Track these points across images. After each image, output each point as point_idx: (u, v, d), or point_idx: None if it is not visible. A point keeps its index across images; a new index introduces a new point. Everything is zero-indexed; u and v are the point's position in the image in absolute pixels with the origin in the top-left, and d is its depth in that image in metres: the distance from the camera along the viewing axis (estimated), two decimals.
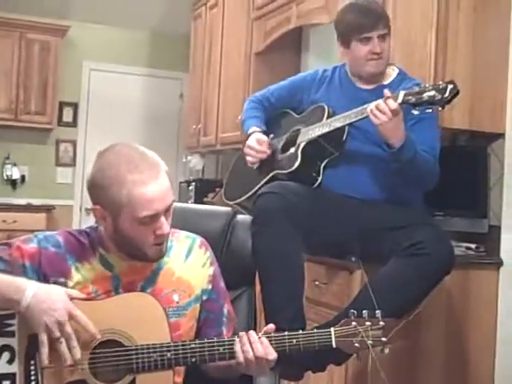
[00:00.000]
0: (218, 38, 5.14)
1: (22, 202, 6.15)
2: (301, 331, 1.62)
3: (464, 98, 2.50)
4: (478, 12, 2.85)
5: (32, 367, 1.47)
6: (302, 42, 4.64)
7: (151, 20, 6.47)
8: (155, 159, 1.57)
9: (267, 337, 1.58)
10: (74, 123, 6.55)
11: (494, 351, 2.86)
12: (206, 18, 5.45)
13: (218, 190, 5.02)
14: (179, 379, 1.64)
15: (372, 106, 2.20)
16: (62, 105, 6.43)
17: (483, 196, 2.94)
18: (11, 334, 1.47)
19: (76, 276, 1.59)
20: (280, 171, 2.56)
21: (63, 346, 1.44)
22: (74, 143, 6.55)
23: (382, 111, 2.16)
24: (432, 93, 2.06)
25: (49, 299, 1.45)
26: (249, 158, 2.66)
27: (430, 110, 2.11)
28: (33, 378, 1.47)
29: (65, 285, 1.55)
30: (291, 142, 2.60)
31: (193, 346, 1.55)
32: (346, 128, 2.43)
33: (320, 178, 2.50)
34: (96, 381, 1.49)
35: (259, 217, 2.27)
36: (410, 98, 2.12)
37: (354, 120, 2.34)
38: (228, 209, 2.12)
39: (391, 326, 1.66)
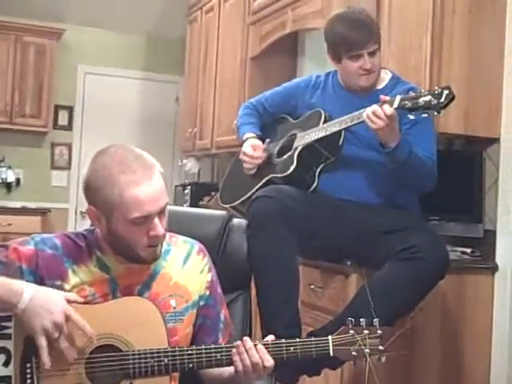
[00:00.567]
0: (213, 42, 5.15)
1: (17, 205, 6.14)
2: (298, 339, 1.63)
3: (459, 102, 2.50)
4: (473, 16, 2.86)
5: (28, 370, 1.47)
6: (297, 46, 4.65)
7: (147, 24, 6.48)
8: (150, 160, 1.57)
9: (264, 344, 1.58)
10: (69, 126, 6.55)
11: (490, 356, 2.87)
12: (201, 22, 5.46)
13: (213, 193, 5.03)
14: None
15: (368, 111, 2.20)
16: (57, 108, 6.43)
17: (478, 200, 2.95)
18: (7, 337, 1.46)
19: (73, 279, 1.58)
20: (276, 175, 2.57)
21: (64, 344, 1.43)
22: (69, 146, 6.54)
23: (378, 116, 2.17)
24: (428, 98, 2.07)
25: (46, 302, 1.44)
26: (245, 165, 2.66)
27: (426, 115, 2.12)
28: (28, 381, 1.46)
29: (61, 288, 1.55)
30: (287, 146, 2.61)
31: (190, 351, 1.55)
32: (343, 133, 2.44)
33: (316, 183, 2.51)
34: None
35: (254, 221, 2.27)
36: (406, 102, 2.13)
37: (350, 125, 2.34)
38: (223, 212, 2.12)
39: (388, 335, 1.66)
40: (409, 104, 2.12)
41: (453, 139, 2.99)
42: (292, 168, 2.49)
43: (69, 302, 1.48)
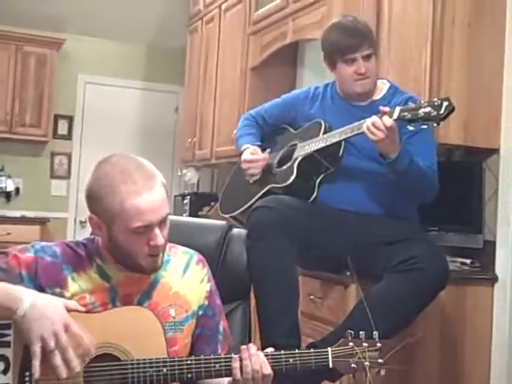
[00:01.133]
0: (213, 53, 5.16)
1: (17, 214, 6.13)
2: (297, 350, 1.62)
3: (459, 113, 2.51)
4: (473, 28, 2.87)
5: (26, 378, 1.46)
6: (297, 56, 4.67)
7: (147, 33, 6.50)
8: (152, 170, 1.58)
9: (265, 355, 1.58)
10: (68, 136, 6.55)
11: (489, 367, 2.86)
12: (202, 32, 5.48)
13: (213, 203, 5.02)
14: None
15: (368, 122, 2.21)
16: (57, 117, 6.43)
17: (478, 211, 2.94)
18: (7, 345, 1.45)
19: (72, 286, 1.58)
20: (275, 185, 2.57)
21: (57, 359, 1.42)
22: (68, 156, 6.55)
23: (378, 128, 2.17)
24: (427, 109, 2.07)
25: (46, 309, 1.43)
26: (250, 171, 2.66)
27: (426, 126, 2.12)
28: None
29: (61, 295, 1.55)
30: (288, 156, 2.61)
31: (189, 362, 1.54)
32: (343, 143, 2.44)
33: (316, 193, 2.51)
34: None
35: (254, 231, 2.27)
36: (406, 114, 2.14)
37: (350, 135, 2.35)
38: (223, 222, 2.12)
39: (388, 348, 1.65)
40: (408, 115, 2.12)
41: (452, 150, 3.00)
42: (292, 178, 2.49)
43: (69, 310, 1.48)
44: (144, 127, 6.67)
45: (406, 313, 2.26)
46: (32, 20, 6.07)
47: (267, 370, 1.56)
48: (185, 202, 5.33)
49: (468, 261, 2.89)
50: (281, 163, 2.64)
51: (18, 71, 6.08)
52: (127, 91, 6.64)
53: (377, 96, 2.54)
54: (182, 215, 5.11)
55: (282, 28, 4.13)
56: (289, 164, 2.57)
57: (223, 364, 1.55)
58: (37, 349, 1.40)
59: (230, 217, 2.76)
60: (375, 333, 1.65)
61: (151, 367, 1.50)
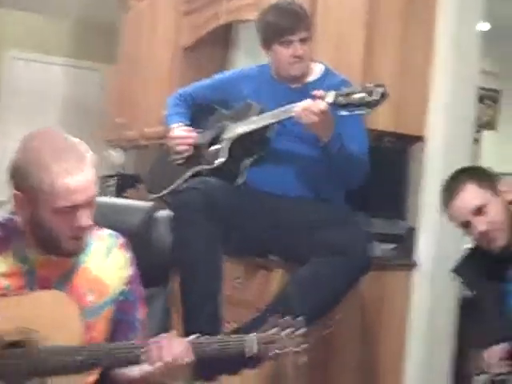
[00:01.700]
0: (145, 31, 5.04)
1: None
2: (219, 336, 1.60)
3: (390, 99, 2.52)
4: (406, 17, 2.89)
5: None
6: (230, 38, 4.61)
7: (76, 8, 6.30)
8: (82, 150, 1.52)
9: (187, 341, 1.54)
10: None
11: (404, 352, 2.92)
12: (134, 9, 5.34)
13: (138, 185, 4.93)
14: (92, 378, 1.58)
15: (301, 105, 2.19)
16: None
17: (403, 198, 2.99)
18: None
19: None
20: (204, 167, 2.53)
21: None
22: None
23: (311, 111, 2.16)
24: (361, 95, 2.07)
25: None
26: (178, 148, 2.60)
27: (362, 112, 2.12)
28: None
29: None
30: (217, 137, 2.57)
31: (104, 348, 1.49)
32: (273, 126, 2.42)
33: (244, 175, 2.48)
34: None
35: (179, 213, 2.23)
36: (340, 99, 2.12)
37: (281, 118, 2.33)
38: (148, 204, 2.07)
39: (312, 333, 1.65)
40: (343, 100, 2.12)
41: (381, 136, 3.02)
42: (221, 160, 2.46)
43: None
44: (70, 105, 6.48)
45: (331, 297, 2.27)
46: None
47: (188, 357, 1.53)
48: (110, 183, 5.22)
49: (390, 246, 2.94)
50: (210, 144, 2.60)
51: None
52: (54, 68, 6.43)
53: (311, 78, 2.52)
54: (106, 196, 5.00)
55: (216, 8, 4.06)
56: (218, 145, 2.53)
57: (139, 351, 1.51)
58: None
59: (157, 198, 2.71)
60: (299, 317, 1.64)
61: (65, 354, 1.45)
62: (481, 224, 2.02)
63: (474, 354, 2.26)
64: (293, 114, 2.23)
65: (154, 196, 2.72)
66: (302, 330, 1.62)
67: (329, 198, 2.47)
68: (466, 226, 2.07)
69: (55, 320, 1.48)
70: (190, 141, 2.60)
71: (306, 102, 2.18)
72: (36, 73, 6.37)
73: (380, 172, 2.83)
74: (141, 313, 1.71)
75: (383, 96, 2.07)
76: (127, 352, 1.50)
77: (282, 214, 2.40)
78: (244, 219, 2.39)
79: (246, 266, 2.69)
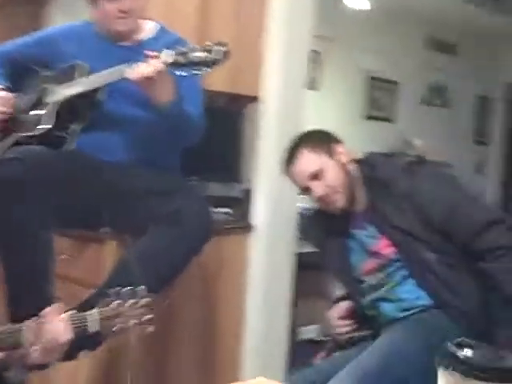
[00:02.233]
0: None
1: None
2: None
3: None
4: None
5: None
6: None
7: None
8: None
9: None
10: None
11: (245, 316, 2.92)
12: None
13: None
14: None
15: (134, 66, 2.03)
16: None
17: (238, 160, 2.95)
18: None
19: None
20: (25, 134, 2.29)
21: None
22: None
23: (145, 72, 2.00)
24: (202, 53, 1.96)
25: None
26: None
27: (199, 72, 2.00)
28: None
29: None
30: (39, 102, 2.34)
31: None
32: (104, 88, 2.24)
33: (72, 142, 2.28)
34: None
35: (1, 186, 2.00)
36: (179, 58, 1.99)
37: (113, 79, 2.15)
38: None
39: (154, 303, 1.56)
40: (182, 59, 1.99)
41: (216, 96, 2.94)
42: (45, 126, 2.24)
43: None
44: None
45: (172, 267, 2.18)
46: None
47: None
48: None
49: (227, 210, 2.90)
50: (31, 109, 2.36)
51: None
52: None
53: (144, 37, 2.36)
54: None
55: None
56: (40, 110, 2.30)
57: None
58: None
59: None
60: (140, 288, 1.54)
61: None
62: (318, 189, 2.03)
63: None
64: (126, 75, 2.07)
65: None
66: (145, 300, 1.53)
67: (164, 164, 2.35)
68: (306, 190, 2.07)
69: None
70: (9, 104, 2.34)
71: (141, 63, 2.02)
72: None
73: (214, 134, 2.75)
74: None
75: (225, 55, 1.98)
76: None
77: (115, 183, 2.24)
78: (74, 189, 2.19)
79: (75, 239, 2.48)
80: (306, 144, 2.07)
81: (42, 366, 1.82)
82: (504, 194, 6.34)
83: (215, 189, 2.93)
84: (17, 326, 1.41)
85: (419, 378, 1.74)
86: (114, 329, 1.51)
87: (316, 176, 2.03)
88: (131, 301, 1.53)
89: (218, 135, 2.82)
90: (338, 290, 2.23)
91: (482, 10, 5.39)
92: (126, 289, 1.54)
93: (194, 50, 1.99)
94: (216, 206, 2.86)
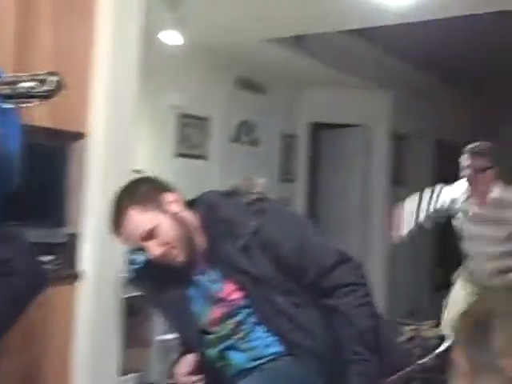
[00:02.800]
0: None
1: None
2: None
3: None
4: (62, 13, 2.63)
5: None
6: None
7: None
8: None
9: None
10: None
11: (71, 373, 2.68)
12: None
13: None
14: None
15: None
16: None
17: (61, 202, 2.69)
18: None
19: None
20: None
21: None
22: None
23: None
24: (31, 84, 1.71)
25: None
26: None
27: (29, 104, 1.75)
28: None
29: None
30: None
31: None
32: None
33: None
34: None
35: None
36: (2, 88, 1.73)
37: None
38: None
39: None
40: (7, 90, 1.72)
41: (36, 132, 2.66)
42: None
43: None
44: None
45: (4, 321, 1.90)
46: None
47: None
48: None
49: (51, 258, 2.62)
50: None
51: None
52: None
53: None
54: None
55: None
56: None
57: None
58: None
59: None
60: None
61: None
62: (154, 249, 1.83)
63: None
64: None
65: None
66: None
67: None
68: (142, 249, 1.88)
69: None
70: None
71: None
72: None
73: (35, 174, 2.50)
74: None
75: (59, 86, 1.75)
76: None
77: None
78: None
79: None
80: (133, 202, 1.85)
81: None
82: None
83: (37, 234, 2.63)
84: None
85: None
86: None
87: (149, 236, 1.83)
88: None
89: (39, 175, 2.57)
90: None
91: (287, 51, 5.58)
92: None
93: (22, 80, 1.74)
94: (39, 254, 2.57)
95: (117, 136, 2.77)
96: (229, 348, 1.91)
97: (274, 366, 1.86)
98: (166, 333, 3.59)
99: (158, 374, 3.87)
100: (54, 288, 2.55)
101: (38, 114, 2.47)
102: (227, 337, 1.90)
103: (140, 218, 1.83)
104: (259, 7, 4.47)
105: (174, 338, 2.06)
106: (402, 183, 7.13)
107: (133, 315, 3.06)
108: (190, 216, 1.89)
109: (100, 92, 2.73)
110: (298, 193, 6.72)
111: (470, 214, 3.59)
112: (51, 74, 1.73)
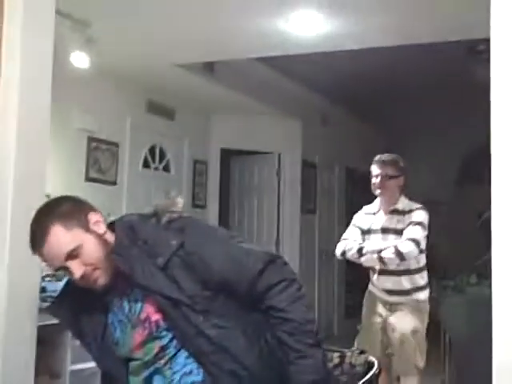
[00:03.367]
0: None
1: None
2: None
3: None
4: None
5: None
6: None
7: None
8: None
9: None
10: None
11: None
12: None
13: None
14: None
15: None
16: None
17: None
18: None
19: None
20: None
21: None
22: None
23: None
24: None
25: None
26: None
27: None
28: None
29: None
30: None
31: None
32: None
33: None
34: None
35: None
36: None
37: None
38: None
39: None
40: None
41: None
42: None
43: None
44: None
45: None
46: None
47: None
48: None
49: None
50: None
51: None
52: None
53: None
54: None
55: None
56: None
57: None
58: None
59: None
60: None
61: None
62: (76, 270, 1.77)
63: None
64: None
65: None
66: None
67: None
68: (64, 270, 1.81)
69: None
70: None
71: None
72: None
73: None
74: None
75: None
76: None
77: None
78: None
79: None
80: (56, 219, 1.78)
81: None
82: None
83: None
84: None
85: None
86: None
87: (71, 255, 1.77)
88: None
89: None
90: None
91: (197, 77, 5.59)
92: None
93: None
94: None
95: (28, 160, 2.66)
96: (154, 374, 1.85)
97: None
98: (81, 362, 3.46)
99: None
100: None
101: None
102: (152, 362, 1.84)
103: (63, 236, 1.77)
104: (170, 32, 4.46)
105: (92, 367, 1.98)
106: (313, 210, 7.24)
107: (41, 344, 2.92)
108: (112, 238, 1.85)
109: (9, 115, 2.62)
110: (209, 219, 6.71)
111: (378, 227, 3.69)
112: None
